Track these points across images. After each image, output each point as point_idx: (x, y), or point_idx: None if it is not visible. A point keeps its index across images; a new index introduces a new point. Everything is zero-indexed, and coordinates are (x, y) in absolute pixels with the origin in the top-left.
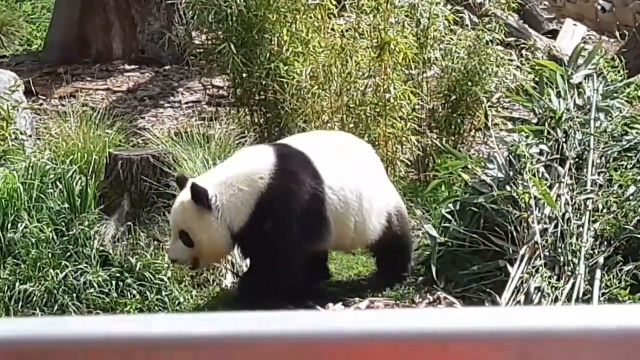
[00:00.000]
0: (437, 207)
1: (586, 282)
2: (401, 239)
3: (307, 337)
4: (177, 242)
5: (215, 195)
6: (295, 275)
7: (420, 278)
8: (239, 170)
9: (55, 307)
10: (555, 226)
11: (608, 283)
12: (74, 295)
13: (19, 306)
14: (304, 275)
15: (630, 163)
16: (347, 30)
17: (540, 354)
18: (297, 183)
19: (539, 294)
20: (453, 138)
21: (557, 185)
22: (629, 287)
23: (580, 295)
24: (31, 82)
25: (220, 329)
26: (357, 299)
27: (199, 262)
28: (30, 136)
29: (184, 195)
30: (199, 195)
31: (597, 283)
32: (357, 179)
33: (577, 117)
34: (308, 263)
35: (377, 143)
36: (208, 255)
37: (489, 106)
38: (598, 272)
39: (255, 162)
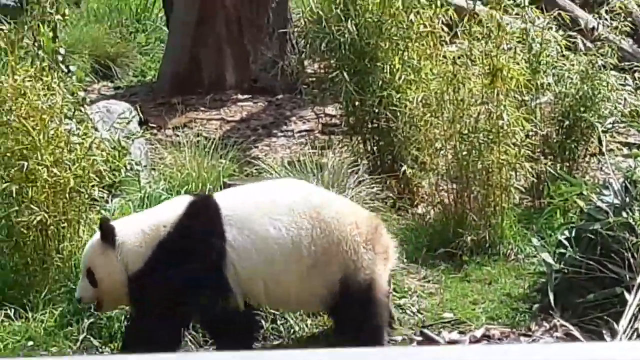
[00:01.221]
0: (553, 234)
1: None
2: (354, 308)
3: None
4: (84, 281)
5: (121, 235)
6: (172, 325)
7: (536, 305)
8: (151, 217)
9: None
10: None
11: None
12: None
13: None
14: (177, 327)
15: None
16: (459, 57)
17: None
18: (195, 236)
19: None
20: (567, 164)
21: None
22: None
23: None
24: (145, 112)
25: None
26: (472, 326)
27: (102, 303)
28: (145, 167)
29: (96, 234)
30: (106, 232)
31: None
32: (275, 242)
33: None
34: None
35: (490, 170)
36: (109, 296)
37: (603, 131)
38: None
39: (166, 211)
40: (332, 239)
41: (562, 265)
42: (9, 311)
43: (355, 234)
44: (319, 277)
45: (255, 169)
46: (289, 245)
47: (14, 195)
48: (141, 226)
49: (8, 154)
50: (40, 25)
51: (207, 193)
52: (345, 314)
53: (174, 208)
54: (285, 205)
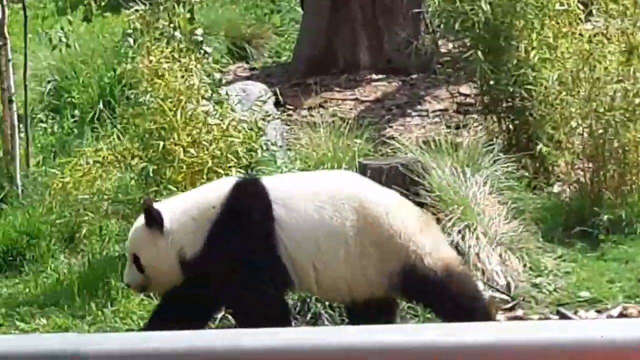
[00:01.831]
0: None
1: None
2: (436, 291)
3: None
4: (132, 267)
5: (169, 220)
6: (263, 302)
7: None
8: (197, 199)
9: (309, 316)
10: None
11: None
12: (327, 303)
13: None
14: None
15: None
16: (594, 35)
17: None
18: (247, 216)
19: None
20: None
21: None
22: None
23: None
24: (281, 93)
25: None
26: (609, 305)
27: (148, 287)
28: (280, 147)
29: (140, 219)
30: (152, 218)
31: None
32: (321, 228)
33: None
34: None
35: (627, 148)
36: (157, 281)
37: None
38: None
39: (213, 192)
40: (382, 233)
41: None
42: None
43: (408, 226)
44: (372, 268)
45: (390, 149)
46: (334, 232)
47: (152, 175)
48: (188, 209)
49: (146, 135)
50: (176, 6)
51: (253, 176)
52: (432, 299)
53: (220, 189)
54: (329, 194)
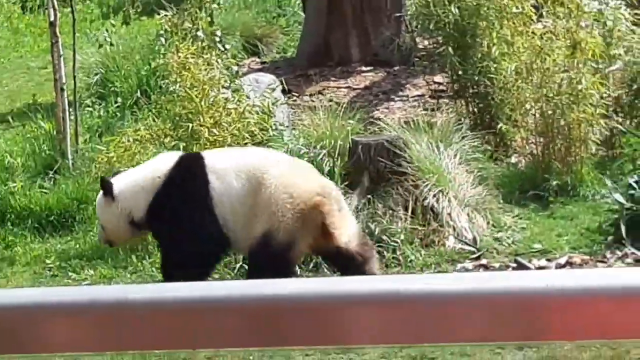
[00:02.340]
0: (624, 178)
1: None
2: (265, 257)
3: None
4: (99, 227)
5: (119, 189)
6: (188, 257)
7: (610, 237)
8: (146, 171)
9: (310, 266)
10: None
11: None
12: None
13: None
14: (212, 259)
15: None
16: (545, 33)
17: None
18: (185, 185)
19: None
20: (635, 120)
21: None
22: None
23: None
24: (287, 82)
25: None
26: (557, 255)
27: (111, 241)
28: (287, 127)
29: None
30: (105, 186)
31: None
32: (235, 192)
33: None
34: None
35: (571, 126)
36: (114, 238)
37: None
38: None
39: (159, 165)
40: (266, 197)
41: (631, 204)
42: None
43: (287, 202)
44: (252, 227)
45: (377, 128)
46: (242, 197)
47: (182, 151)
48: (138, 179)
49: (176, 118)
50: (198, 11)
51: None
52: (257, 260)
53: (166, 162)
54: (246, 165)
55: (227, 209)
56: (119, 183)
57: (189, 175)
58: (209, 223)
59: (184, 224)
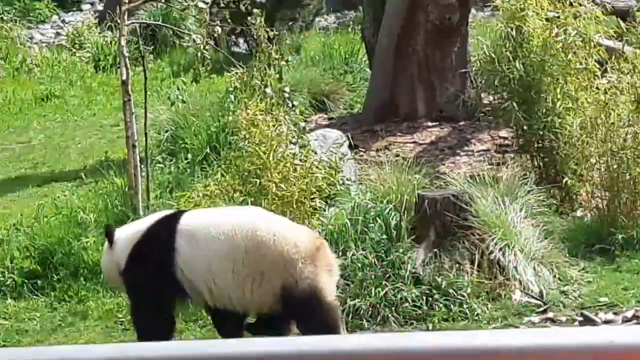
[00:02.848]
0: None
1: None
2: (301, 311)
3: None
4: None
5: (117, 238)
6: (150, 317)
7: None
8: (138, 226)
9: (378, 319)
10: None
11: None
12: (393, 309)
13: (350, 318)
14: (164, 325)
15: None
16: (609, 89)
17: None
18: (152, 243)
19: None
20: None
21: None
22: None
23: None
24: (353, 138)
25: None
26: (624, 308)
27: (112, 287)
28: (354, 182)
29: None
30: (107, 234)
31: None
32: (214, 252)
33: None
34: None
35: (637, 180)
36: (111, 284)
37: None
38: None
39: (145, 222)
40: (268, 255)
41: None
42: None
43: (293, 252)
44: (258, 286)
45: (443, 182)
46: (224, 257)
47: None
48: (130, 232)
49: (245, 173)
50: (267, 68)
51: (183, 209)
52: (298, 316)
53: (151, 219)
54: (229, 223)
55: (199, 270)
56: (119, 233)
57: (158, 235)
58: (166, 285)
59: (140, 283)
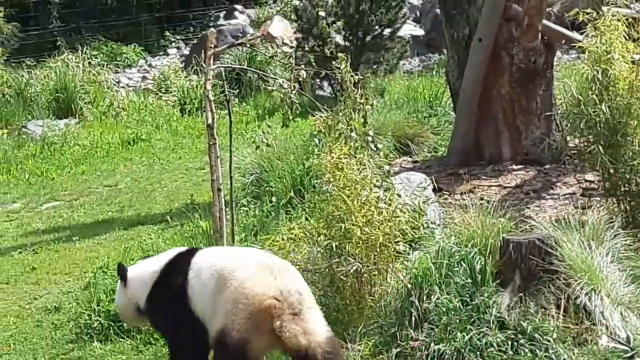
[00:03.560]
0: None
1: None
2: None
3: None
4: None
5: (130, 276)
6: (180, 347)
7: None
8: (151, 264)
9: None
10: None
11: None
12: (478, 353)
13: None
14: (193, 347)
15: None
16: None
17: None
18: (171, 281)
19: None
20: None
21: None
22: None
23: None
24: (437, 181)
25: None
26: None
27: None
28: (438, 225)
29: None
30: (120, 272)
31: None
32: (209, 289)
33: None
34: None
35: None
36: (127, 320)
37: None
38: None
39: (160, 260)
40: (226, 296)
41: None
42: None
43: (241, 303)
44: (216, 323)
45: (528, 226)
46: (211, 294)
47: (335, 249)
48: (143, 270)
49: (329, 217)
50: (352, 112)
51: (195, 247)
52: (216, 356)
53: (165, 257)
54: (220, 264)
55: (201, 304)
56: (132, 271)
57: (175, 272)
58: (186, 319)
59: (167, 318)
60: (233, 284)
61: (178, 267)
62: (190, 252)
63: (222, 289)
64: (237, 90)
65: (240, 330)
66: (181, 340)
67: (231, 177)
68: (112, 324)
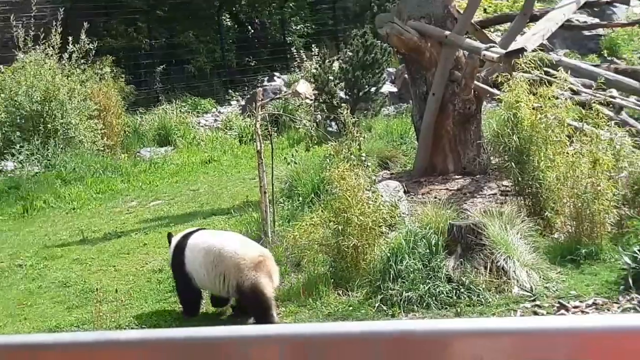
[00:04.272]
0: (630, 247)
1: None
2: (247, 299)
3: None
4: None
5: (173, 241)
6: (183, 294)
7: (622, 287)
8: (175, 238)
9: (424, 305)
10: None
11: None
12: (434, 298)
13: (405, 305)
14: (189, 296)
15: None
16: (575, 154)
17: None
18: (175, 251)
19: None
20: (636, 210)
21: None
22: None
23: None
24: (407, 186)
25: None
26: (587, 298)
27: None
28: (407, 215)
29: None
30: (168, 238)
31: None
32: (199, 260)
33: None
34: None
35: (594, 214)
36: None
37: None
38: None
39: (178, 236)
40: (227, 264)
41: (635, 264)
42: (340, 291)
43: (242, 264)
44: (224, 280)
45: (466, 215)
46: (203, 263)
47: (340, 231)
48: (175, 239)
49: (336, 210)
50: (351, 142)
51: (196, 228)
52: (244, 300)
53: (181, 234)
54: (209, 243)
55: (192, 269)
56: (173, 238)
57: (178, 246)
58: (184, 278)
59: (175, 272)
60: (231, 255)
61: (181, 243)
62: (191, 233)
63: (220, 260)
64: (276, 128)
65: (251, 278)
66: (181, 286)
67: (272, 184)
68: None
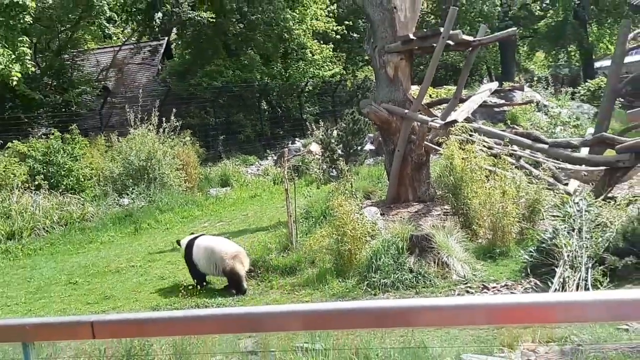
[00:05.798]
0: (527, 247)
1: None
2: (228, 277)
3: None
4: None
5: (182, 243)
6: (194, 275)
7: (523, 274)
8: (186, 239)
9: (394, 288)
10: None
11: None
12: (401, 283)
13: (381, 288)
14: (197, 276)
15: None
16: (491, 187)
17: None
18: (187, 249)
19: None
20: (532, 222)
21: None
22: None
23: None
24: (382, 210)
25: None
26: (501, 281)
27: None
28: (383, 229)
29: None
30: (178, 242)
31: None
32: (201, 255)
33: None
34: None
35: (507, 223)
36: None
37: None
38: None
39: (187, 238)
40: (216, 257)
41: (532, 259)
42: (340, 279)
43: (225, 257)
44: (215, 266)
45: (421, 228)
46: (203, 258)
47: (339, 240)
48: (183, 242)
49: (337, 226)
50: (346, 182)
51: (200, 234)
52: (227, 278)
53: (190, 237)
54: (206, 243)
55: (199, 261)
56: (182, 241)
57: (189, 245)
58: (193, 266)
59: (188, 264)
60: (219, 252)
61: (190, 244)
62: (197, 237)
63: (212, 255)
64: (297, 174)
65: (230, 264)
66: (192, 270)
67: (295, 210)
68: (252, 267)
